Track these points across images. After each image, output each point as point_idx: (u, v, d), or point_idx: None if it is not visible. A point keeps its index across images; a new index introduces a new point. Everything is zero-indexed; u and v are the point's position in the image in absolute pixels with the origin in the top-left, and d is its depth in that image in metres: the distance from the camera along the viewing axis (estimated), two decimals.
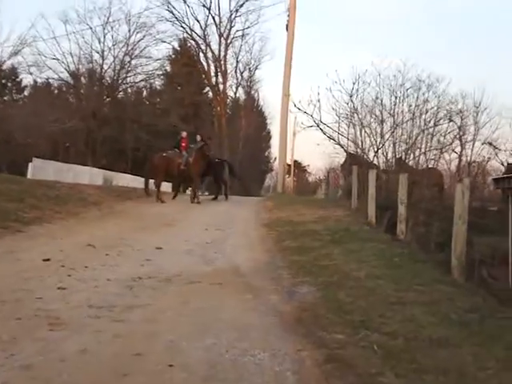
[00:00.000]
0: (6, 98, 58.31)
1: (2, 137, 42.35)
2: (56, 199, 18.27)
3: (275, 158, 63.96)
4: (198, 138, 22.84)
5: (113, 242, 11.50)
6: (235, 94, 64.76)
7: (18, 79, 60.72)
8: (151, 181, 23.12)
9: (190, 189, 27.05)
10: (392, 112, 24.02)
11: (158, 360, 4.92)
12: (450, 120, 24.88)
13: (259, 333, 5.94)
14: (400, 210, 13.11)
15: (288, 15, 27.16)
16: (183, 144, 22.32)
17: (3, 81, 60.24)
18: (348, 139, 24.38)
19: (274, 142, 59.72)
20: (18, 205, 15.63)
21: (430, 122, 23.98)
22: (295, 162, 64.73)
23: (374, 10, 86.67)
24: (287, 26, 27.22)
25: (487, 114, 36.21)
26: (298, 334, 5.95)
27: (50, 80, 57.67)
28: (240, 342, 5.55)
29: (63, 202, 18.11)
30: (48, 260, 9.35)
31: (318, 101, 24.86)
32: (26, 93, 61.31)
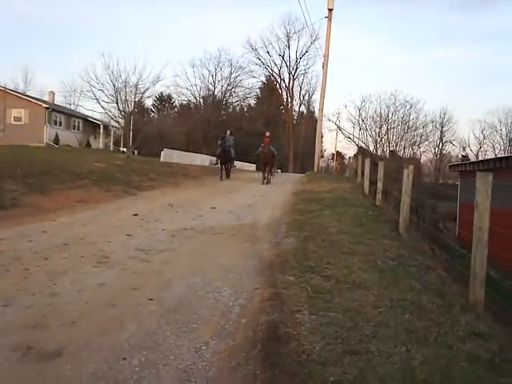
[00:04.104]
0: (164, 113, 60.02)
1: (158, 135, 43.47)
2: (169, 174, 17.94)
3: (325, 150, 63.30)
4: (268, 133, 19.23)
5: (186, 203, 10.91)
6: (299, 109, 63.84)
7: (171, 101, 62.50)
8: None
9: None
10: (386, 120, 23.21)
11: (146, 294, 4.19)
12: (423, 127, 24.36)
13: (237, 273, 5.11)
14: (378, 185, 12.09)
15: (323, 59, 25.94)
16: (266, 140, 18.72)
17: (163, 102, 62.24)
18: (358, 138, 23.73)
19: (325, 139, 58.72)
20: (142, 177, 15.33)
21: (411, 127, 23.19)
22: (337, 152, 63.00)
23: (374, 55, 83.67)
24: (323, 65, 25.99)
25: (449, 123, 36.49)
26: (264, 276, 5.07)
27: (186, 101, 59.32)
28: (218, 281, 4.77)
29: (173, 176, 17.74)
30: (136, 215, 8.82)
31: (339, 113, 24.61)
32: (175, 110, 63.23)
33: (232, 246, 6.58)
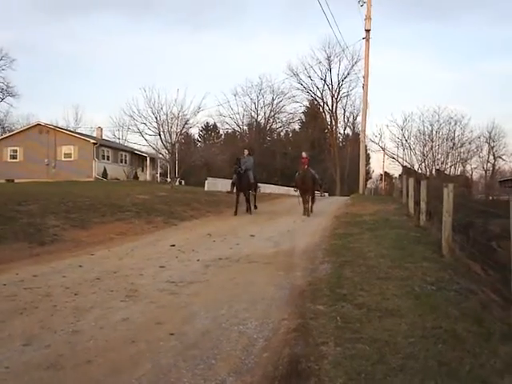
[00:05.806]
0: (211, 142, 61.25)
1: (205, 164, 44.13)
2: (212, 203, 18.01)
3: (373, 171, 62.45)
4: (304, 154, 15.69)
5: (225, 232, 10.82)
6: (344, 131, 63.57)
7: (217, 130, 63.70)
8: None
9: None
10: (431, 138, 22.77)
11: (168, 329, 4.10)
12: (469, 143, 23.87)
13: (266, 304, 4.96)
14: (421, 205, 11.68)
15: (363, 80, 25.74)
16: (303, 161, 15.36)
17: (209, 131, 63.59)
18: (402, 158, 23.35)
19: (372, 160, 57.85)
20: (184, 207, 15.44)
21: (457, 143, 22.64)
22: (385, 172, 62.09)
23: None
24: (363, 86, 25.77)
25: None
26: (294, 305, 4.90)
27: (231, 130, 60.60)
28: (245, 312, 4.63)
29: (216, 204, 17.78)
30: (173, 246, 8.83)
31: (380, 134, 24.48)
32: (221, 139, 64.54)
33: (265, 274, 6.43)
